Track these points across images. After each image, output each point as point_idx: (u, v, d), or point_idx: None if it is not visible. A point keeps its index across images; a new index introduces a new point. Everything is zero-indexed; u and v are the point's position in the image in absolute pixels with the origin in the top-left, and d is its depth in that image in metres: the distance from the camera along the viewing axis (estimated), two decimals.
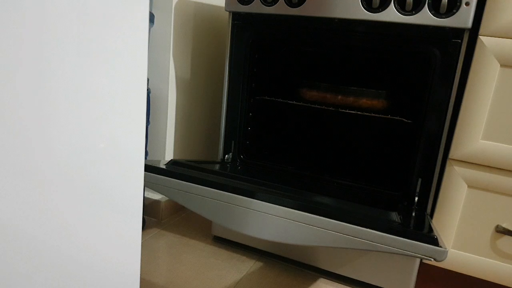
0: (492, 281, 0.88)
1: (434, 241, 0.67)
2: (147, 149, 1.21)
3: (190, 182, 0.81)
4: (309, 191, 0.88)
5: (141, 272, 0.96)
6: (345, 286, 0.98)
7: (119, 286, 0.57)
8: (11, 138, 0.39)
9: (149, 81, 1.17)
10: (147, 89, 1.11)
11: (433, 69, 0.84)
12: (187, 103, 1.25)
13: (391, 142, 1.14)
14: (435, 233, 0.69)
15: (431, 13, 0.80)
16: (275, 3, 0.93)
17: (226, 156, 1.10)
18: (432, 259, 0.67)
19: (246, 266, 1.03)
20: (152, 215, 1.25)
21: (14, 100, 0.38)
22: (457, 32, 0.81)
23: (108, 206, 0.52)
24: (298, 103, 1.08)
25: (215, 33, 1.32)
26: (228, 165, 1.07)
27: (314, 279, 1.00)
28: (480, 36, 0.80)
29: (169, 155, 1.22)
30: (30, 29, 0.38)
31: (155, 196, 1.24)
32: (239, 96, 1.06)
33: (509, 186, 0.83)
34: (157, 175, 0.84)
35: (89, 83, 0.45)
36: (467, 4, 0.77)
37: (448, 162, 0.88)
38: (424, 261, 0.95)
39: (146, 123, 1.13)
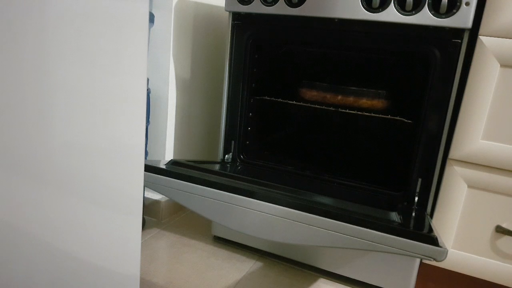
0: (492, 281, 0.88)
1: (434, 241, 0.67)
2: (147, 149, 1.21)
3: (190, 182, 0.81)
4: (309, 191, 0.88)
5: (141, 272, 0.96)
6: (345, 286, 0.98)
7: (119, 286, 0.57)
8: (11, 138, 0.39)
9: (149, 81, 1.17)
10: (147, 89, 1.11)
11: (433, 69, 0.84)
12: (187, 103, 1.25)
13: (391, 142, 1.14)
14: (435, 233, 0.69)
15: (431, 13, 0.80)
16: (275, 3, 0.93)
17: (226, 156, 1.10)
18: (432, 259, 0.67)
19: (246, 266, 1.03)
20: (152, 215, 1.25)
21: (14, 99, 0.38)
22: (457, 32, 0.81)
23: (108, 206, 0.52)
24: (298, 103, 1.08)
25: (215, 33, 1.32)
26: (228, 165, 1.07)
27: (314, 279, 1.00)
28: (480, 36, 0.80)
29: (169, 155, 1.22)
30: (31, 29, 0.38)
31: (155, 196, 1.24)
32: (239, 96, 1.06)
33: (509, 186, 0.83)
34: (157, 175, 0.84)
35: (89, 83, 0.45)
36: (467, 4, 0.77)
37: (448, 162, 0.88)
38: (424, 261, 0.95)
39: (146, 123, 1.13)
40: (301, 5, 0.91)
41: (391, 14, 0.83)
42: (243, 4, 0.97)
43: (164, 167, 0.87)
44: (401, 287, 0.94)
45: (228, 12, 1.02)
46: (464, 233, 0.89)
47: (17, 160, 0.40)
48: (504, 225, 0.85)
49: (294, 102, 1.09)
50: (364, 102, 1.02)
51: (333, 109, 1.06)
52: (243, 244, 1.12)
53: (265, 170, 1.07)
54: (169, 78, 1.15)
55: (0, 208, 0.39)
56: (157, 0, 1.11)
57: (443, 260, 0.66)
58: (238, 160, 1.10)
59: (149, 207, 1.24)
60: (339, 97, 1.04)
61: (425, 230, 0.71)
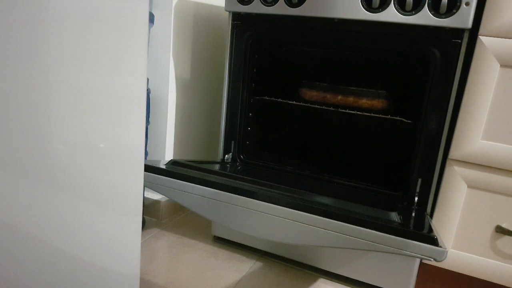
0: (492, 281, 0.88)
1: (434, 241, 0.67)
2: (147, 149, 1.21)
3: (190, 182, 0.81)
4: (309, 191, 0.88)
5: (141, 272, 0.96)
6: (345, 286, 0.98)
7: (119, 286, 0.57)
8: (11, 137, 0.39)
9: (149, 81, 1.17)
10: (147, 89, 1.11)
11: (433, 69, 0.84)
12: (187, 103, 1.25)
13: (391, 142, 1.14)
14: (435, 233, 0.69)
15: (431, 13, 0.80)
16: (275, 3, 0.93)
17: (226, 156, 1.10)
18: (432, 259, 0.67)
19: (246, 266, 1.03)
20: (152, 215, 1.25)
21: (15, 99, 0.38)
22: (457, 32, 0.81)
23: (108, 206, 0.52)
24: (298, 103, 1.08)
25: (215, 33, 1.32)
26: (228, 165, 1.07)
27: (314, 279, 1.00)
28: (480, 36, 0.80)
29: (169, 155, 1.22)
30: (32, 29, 0.38)
31: (155, 196, 1.24)
32: (239, 96, 1.06)
33: (509, 186, 0.83)
34: (157, 175, 0.84)
35: (89, 83, 0.45)
36: (467, 4, 0.77)
37: (448, 162, 0.88)
38: (424, 261, 0.95)
39: (146, 123, 1.13)
40: (301, 5, 0.91)
41: (391, 14, 0.83)
42: (243, 4, 0.97)
43: (164, 167, 0.87)
44: (401, 287, 0.94)
45: (228, 12, 1.02)
46: (464, 233, 0.89)
47: (17, 160, 0.40)
48: (504, 225, 0.85)
49: (294, 102, 1.09)
50: (364, 102, 1.02)
51: (333, 109, 1.06)
52: (243, 244, 1.12)
53: (265, 170, 1.07)
54: (169, 78, 1.15)
55: (0, 208, 0.39)
56: (157, 0, 1.11)
57: (443, 260, 0.66)
58: (238, 160, 1.10)
59: (149, 207, 1.24)
60: (339, 97, 1.04)
61: (425, 230, 0.71)
